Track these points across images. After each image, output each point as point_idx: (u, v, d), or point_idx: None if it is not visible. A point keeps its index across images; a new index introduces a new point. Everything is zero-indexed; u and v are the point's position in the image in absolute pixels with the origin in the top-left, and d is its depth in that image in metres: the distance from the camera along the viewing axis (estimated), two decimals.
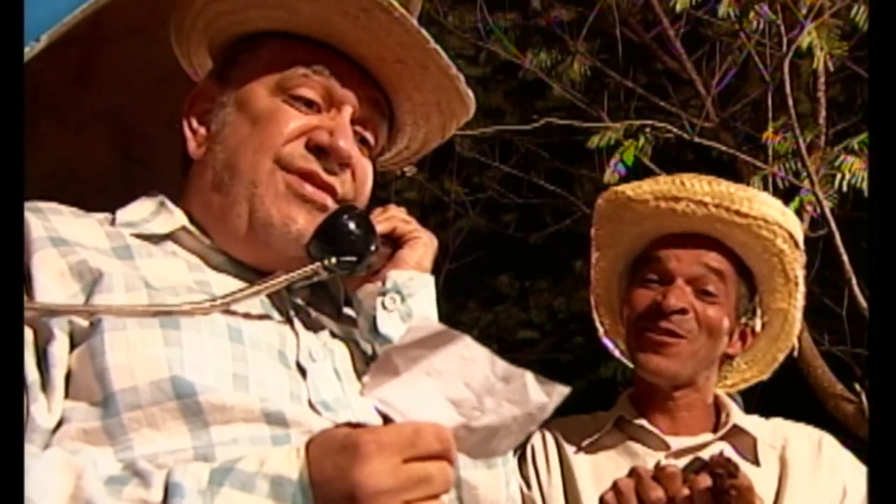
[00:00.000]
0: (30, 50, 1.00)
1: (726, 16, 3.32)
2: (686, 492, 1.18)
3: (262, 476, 0.79)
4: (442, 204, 4.90)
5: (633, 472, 1.22)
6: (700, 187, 1.49)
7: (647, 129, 3.51)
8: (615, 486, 1.22)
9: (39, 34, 1.01)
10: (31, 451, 0.82)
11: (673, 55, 4.16)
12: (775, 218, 1.49)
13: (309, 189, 1.04)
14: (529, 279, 5.25)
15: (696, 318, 1.47)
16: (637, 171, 3.72)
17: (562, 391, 0.79)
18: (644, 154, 3.50)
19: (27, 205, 0.99)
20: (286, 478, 0.79)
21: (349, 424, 0.82)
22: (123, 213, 1.07)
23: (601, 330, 1.69)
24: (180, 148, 1.14)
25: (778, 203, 1.52)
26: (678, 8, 3.49)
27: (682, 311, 1.46)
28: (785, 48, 3.18)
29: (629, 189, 1.54)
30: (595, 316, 1.69)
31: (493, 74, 4.76)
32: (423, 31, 1.05)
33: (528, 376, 0.80)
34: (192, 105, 1.11)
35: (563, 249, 4.92)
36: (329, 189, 1.06)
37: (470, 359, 0.80)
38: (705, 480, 1.17)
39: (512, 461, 1.13)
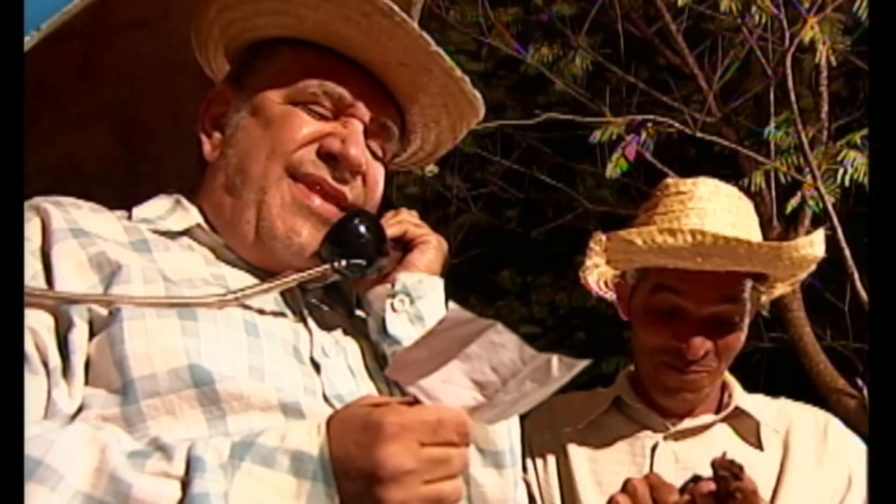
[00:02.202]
0: (30, 39, 1.00)
1: (728, 10, 3.31)
2: (686, 498, 1.15)
3: (282, 451, 0.81)
4: (443, 199, 4.89)
5: (629, 487, 1.18)
6: (726, 252, 1.33)
7: (649, 125, 3.51)
8: (612, 502, 1.18)
9: (40, 24, 1.01)
10: (53, 426, 0.84)
11: (675, 50, 4.15)
12: (806, 257, 1.40)
13: (316, 202, 1.06)
14: (531, 274, 5.25)
15: (716, 352, 1.42)
16: (639, 167, 3.73)
17: (580, 364, 0.80)
18: (646, 149, 3.50)
19: (48, 199, 1.01)
20: (307, 454, 0.80)
21: (369, 403, 0.83)
22: (139, 211, 1.09)
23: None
24: (183, 142, 1.15)
25: (806, 239, 1.41)
26: (680, 3, 3.48)
27: (704, 356, 1.41)
28: (787, 43, 3.18)
29: (638, 239, 1.37)
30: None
31: (495, 69, 4.75)
32: (426, 35, 1.06)
33: (555, 358, 0.81)
34: (207, 108, 1.13)
35: (565, 245, 4.91)
36: (338, 196, 1.07)
37: (499, 344, 0.81)
38: (708, 485, 1.13)
39: (520, 463, 1.13)
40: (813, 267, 1.46)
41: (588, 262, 1.53)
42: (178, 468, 0.79)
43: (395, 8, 1.04)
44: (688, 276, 1.39)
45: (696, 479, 1.16)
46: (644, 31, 4.33)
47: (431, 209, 4.71)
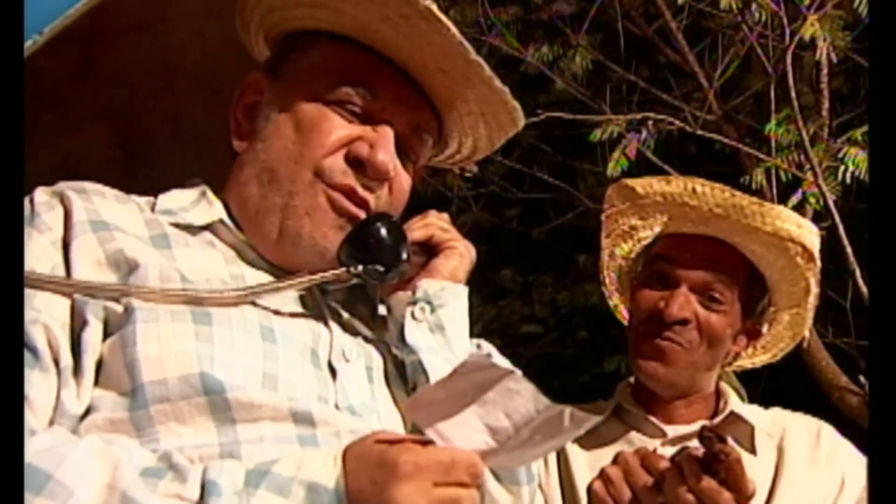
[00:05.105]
0: (31, 44, 1.00)
1: (728, 8, 3.30)
2: (669, 466, 1.16)
3: (298, 482, 0.81)
4: (444, 199, 4.88)
5: (620, 459, 1.21)
6: (712, 197, 1.45)
7: (650, 123, 3.50)
8: (603, 475, 1.20)
9: (41, 29, 1.01)
10: (66, 437, 0.83)
11: (675, 48, 4.15)
12: (789, 233, 1.45)
13: (346, 203, 1.04)
14: (532, 274, 5.24)
15: (698, 328, 1.46)
16: (640, 165, 3.72)
17: (592, 420, 0.82)
18: (647, 147, 3.50)
19: (72, 185, 1.00)
20: (322, 486, 0.81)
21: (384, 439, 0.84)
22: (164, 200, 1.07)
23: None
24: (182, 145, 1.15)
25: (793, 216, 1.48)
26: (680, 0, 3.48)
27: (684, 322, 1.45)
28: (787, 40, 3.17)
29: (638, 185, 1.52)
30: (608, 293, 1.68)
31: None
32: (466, 43, 1.04)
33: (567, 410, 0.82)
34: (241, 96, 1.12)
35: (566, 243, 4.91)
36: (363, 204, 1.05)
37: (515, 391, 0.83)
38: (695, 451, 1.16)
39: (536, 480, 1.14)
40: (790, 254, 1.48)
41: (604, 241, 1.61)
42: (193, 492, 0.79)
43: (436, 12, 1.01)
44: (682, 244, 1.49)
45: (683, 449, 1.19)
46: (644, 30, 4.32)
47: (432, 209, 4.69)
